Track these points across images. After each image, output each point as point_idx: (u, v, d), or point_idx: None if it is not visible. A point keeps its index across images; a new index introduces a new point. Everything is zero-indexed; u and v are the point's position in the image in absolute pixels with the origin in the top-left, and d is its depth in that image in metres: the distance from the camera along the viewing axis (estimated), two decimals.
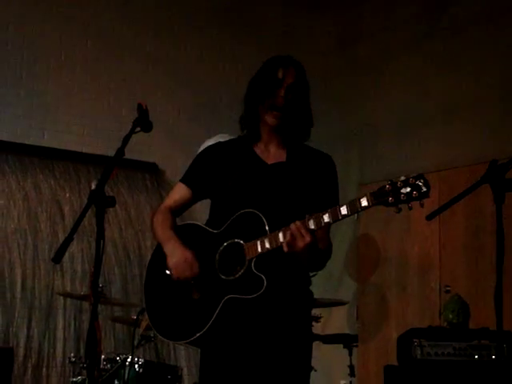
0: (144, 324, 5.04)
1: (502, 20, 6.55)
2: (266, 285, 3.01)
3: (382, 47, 7.48)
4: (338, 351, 6.26)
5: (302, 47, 7.74)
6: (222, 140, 3.56)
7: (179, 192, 3.41)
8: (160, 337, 3.34)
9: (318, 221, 2.96)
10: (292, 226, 2.97)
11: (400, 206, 2.85)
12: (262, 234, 3.07)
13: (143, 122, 3.06)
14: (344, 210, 2.93)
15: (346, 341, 6.19)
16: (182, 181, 3.42)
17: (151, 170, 7.14)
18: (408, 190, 2.82)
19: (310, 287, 3.33)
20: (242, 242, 3.13)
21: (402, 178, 2.84)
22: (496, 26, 6.58)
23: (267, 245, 3.04)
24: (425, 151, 6.96)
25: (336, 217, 2.94)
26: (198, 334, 3.12)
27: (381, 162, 7.28)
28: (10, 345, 6.13)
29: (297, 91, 3.27)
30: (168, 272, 3.25)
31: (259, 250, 3.05)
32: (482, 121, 6.56)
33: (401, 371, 5.10)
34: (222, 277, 3.14)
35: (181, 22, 7.49)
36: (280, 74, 3.26)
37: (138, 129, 3.06)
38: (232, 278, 3.11)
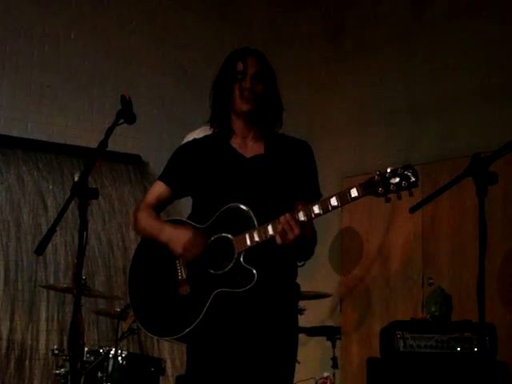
0: (130, 320, 5.03)
1: (487, 13, 6.56)
2: (257, 278, 3.01)
3: (368, 39, 7.48)
4: (322, 343, 6.28)
5: (288, 38, 7.76)
6: (204, 132, 3.55)
7: (159, 190, 3.40)
8: (148, 333, 3.33)
9: (308, 212, 2.97)
10: (282, 218, 2.98)
11: (389, 195, 2.86)
12: (249, 228, 3.06)
13: (127, 113, 3.05)
14: (334, 202, 2.94)
15: (330, 333, 6.20)
16: (160, 179, 3.41)
17: (135, 162, 7.11)
18: (397, 180, 2.85)
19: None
20: (229, 236, 3.12)
21: (390, 168, 2.86)
22: (482, 18, 6.58)
23: (256, 238, 3.04)
24: (408, 144, 6.96)
25: (326, 208, 2.96)
26: (187, 329, 3.12)
27: (365, 154, 7.28)
28: None
29: (262, 78, 3.27)
30: (163, 267, 3.24)
31: (248, 243, 3.05)
32: (466, 114, 6.57)
33: (384, 363, 5.12)
34: (211, 271, 3.13)
35: (165, 14, 7.47)
36: (240, 67, 3.26)
37: (122, 120, 3.05)
38: (221, 272, 3.11)
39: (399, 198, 2.87)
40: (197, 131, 4.86)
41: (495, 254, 5.80)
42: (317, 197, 3.28)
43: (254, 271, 3.02)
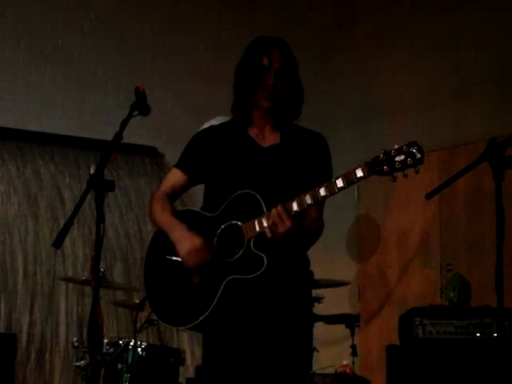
0: (147, 311, 5.05)
1: None
2: (267, 263, 3.01)
3: (381, 25, 7.45)
4: (340, 331, 6.28)
5: (301, 26, 7.72)
6: (220, 122, 3.55)
7: (175, 177, 3.41)
8: (162, 323, 3.35)
9: (315, 195, 2.96)
10: (273, 210, 2.98)
11: (395, 174, 2.84)
12: (259, 214, 3.06)
13: (141, 105, 3.05)
14: (340, 183, 2.92)
15: (348, 321, 6.20)
16: (176, 166, 3.42)
17: (151, 154, 7.13)
18: (402, 157, 2.82)
19: (312, 268, 3.33)
20: (239, 223, 3.13)
21: (396, 146, 2.84)
22: (495, 3, 6.55)
23: (265, 223, 3.03)
24: (424, 130, 6.93)
25: (332, 190, 2.94)
26: (201, 318, 3.12)
27: (379, 140, 7.23)
28: (13, 331, 6.16)
29: (285, 74, 3.26)
30: (176, 259, 3.24)
31: (257, 229, 3.05)
32: (482, 99, 6.54)
33: (403, 350, 5.12)
34: (222, 259, 3.14)
35: (178, 7, 7.46)
36: (265, 62, 3.24)
37: (136, 112, 3.05)
38: (232, 259, 3.11)
39: (405, 176, 2.83)
40: (212, 121, 4.86)
41: None
42: None
43: (264, 257, 3.02)
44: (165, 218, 3.30)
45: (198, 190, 3.52)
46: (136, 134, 6.65)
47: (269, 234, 2.99)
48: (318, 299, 5.64)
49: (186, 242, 3.17)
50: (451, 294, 5.31)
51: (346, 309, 6.95)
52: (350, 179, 2.91)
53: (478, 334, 4.95)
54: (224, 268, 3.11)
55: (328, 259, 6.90)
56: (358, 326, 6.40)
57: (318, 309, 5.61)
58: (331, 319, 6.12)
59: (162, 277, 3.30)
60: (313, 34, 7.79)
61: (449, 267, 6.29)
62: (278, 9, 7.84)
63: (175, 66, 7.35)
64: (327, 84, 7.63)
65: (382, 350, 5.36)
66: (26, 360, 6.22)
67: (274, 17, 7.66)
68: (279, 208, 2.97)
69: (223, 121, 3.51)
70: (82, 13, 6.99)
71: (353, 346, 6.08)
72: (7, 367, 5.60)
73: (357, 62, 7.62)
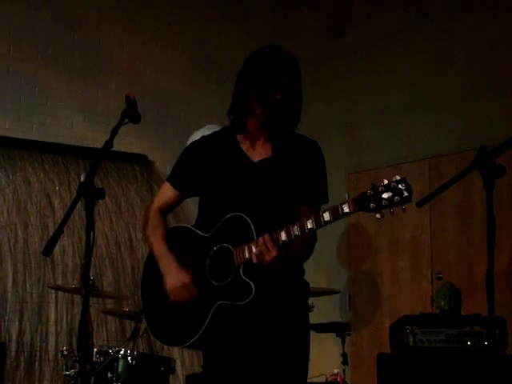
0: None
1: (492, 4, 6.55)
2: (255, 291, 2.98)
3: (372, 34, 7.47)
4: (331, 340, 6.28)
5: (292, 35, 7.72)
6: (209, 131, 3.53)
7: (166, 192, 3.40)
8: (159, 342, 3.35)
9: (302, 227, 2.92)
10: (260, 239, 2.95)
11: (382, 211, 2.80)
12: (249, 239, 3.02)
13: (131, 113, 3.03)
14: (327, 217, 2.88)
15: (339, 329, 6.20)
16: (168, 180, 3.40)
17: (141, 162, 7.12)
18: (390, 194, 2.77)
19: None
20: (230, 247, 3.10)
21: (385, 181, 2.78)
22: (486, 10, 6.57)
23: (254, 250, 3.02)
24: (415, 138, 6.95)
25: (319, 223, 2.90)
26: (191, 340, 3.13)
27: (371, 149, 7.27)
28: (2, 339, 6.13)
29: (292, 92, 3.20)
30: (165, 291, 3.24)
31: (247, 255, 3.02)
32: (472, 108, 6.56)
33: (394, 359, 5.11)
34: (213, 282, 3.12)
35: (168, 13, 7.46)
36: (278, 73, 3.16)
37: (127, 120, 3.04)
38: (222, 283, 3.10)
39: (392, 214, 2.80)
40: (202, 130, 4.86)
41: (504, 247, 5.78)
42: (323, 201, 3.24)
43: (252, 285, 2.99)
44: (156, 246, 3.30)
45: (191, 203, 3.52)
46: (126, 142, 6.65)
47: (254, 260, 2.97)
48: (309, 308, 5.64)
49: (173, 277, 3.20)
50: (442, 303, 5.31)
51: (336, 317, 6.96)
52: (336, 214, 2.86)
53: (468, 343, 4.95)
54: (214, 291, 3.11)
55: (319, 267, 6.89)
56: (349, 334, 6.40)
57: (309, 317, 5.60)
58: (322, 328, 6.11)
59: (158, 295, 3.28)
60: (303, 44, 7.80)
61: (439, 275, 6.30)
62: (270, 18, 7.85)
63: (165, 74, 7.35)
64: (318, 93, 7.64)
65: (372, 359, 5.35)
66: (16, 368, 6.19)
67: (267, 25, 7.67)
68: (266, 237, 2.94)
69: (214, 130, 3.48)
70: (72, 21, 6.98)
71: (343, 355, 6.08)
72: None
73: (347, 71, 7.63)
